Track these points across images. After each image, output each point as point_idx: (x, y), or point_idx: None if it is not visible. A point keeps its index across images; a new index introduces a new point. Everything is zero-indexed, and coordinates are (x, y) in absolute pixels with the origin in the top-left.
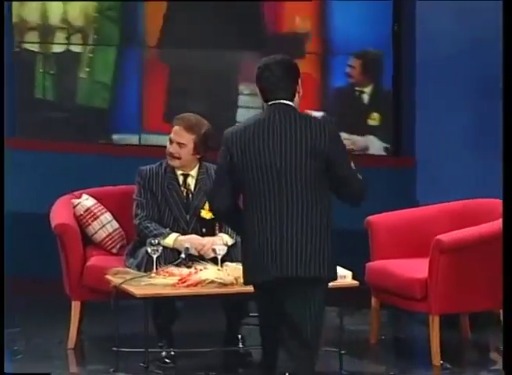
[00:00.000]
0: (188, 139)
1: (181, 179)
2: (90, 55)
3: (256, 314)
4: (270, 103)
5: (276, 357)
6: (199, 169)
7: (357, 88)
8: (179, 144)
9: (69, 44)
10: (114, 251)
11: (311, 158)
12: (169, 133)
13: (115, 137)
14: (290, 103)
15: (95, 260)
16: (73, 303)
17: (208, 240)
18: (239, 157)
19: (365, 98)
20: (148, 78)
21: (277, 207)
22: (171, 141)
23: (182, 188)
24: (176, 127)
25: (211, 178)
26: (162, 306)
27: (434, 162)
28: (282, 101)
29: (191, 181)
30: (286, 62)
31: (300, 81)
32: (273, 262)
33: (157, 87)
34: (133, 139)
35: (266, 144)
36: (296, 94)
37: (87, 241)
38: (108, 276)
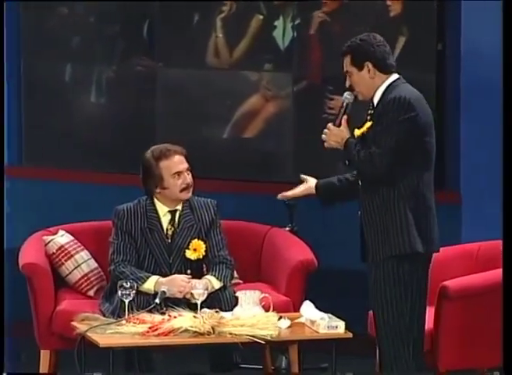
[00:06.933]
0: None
1: (168, 217)
2: None
3: (247, 365)
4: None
5: None
6: (183, 202)
7: None
8: (189, 172)
9: None
10: (91, 293)
11: None
12: None
13: None
14: None
15: (66, 304)
16: (42, 352)
17: (190, 282)
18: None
19: None
20: None
21: None
22: (179, 173)
23: (167, 226)
24: (176, 157)
25: (195, 212)
26: (135, 357)
27: (481, 198)
28: None
29: (177, 218)
30: None
31: None
32: None
33: None
34: None
35: None
36: None
37: (61, 282)
38: (75, 323)
